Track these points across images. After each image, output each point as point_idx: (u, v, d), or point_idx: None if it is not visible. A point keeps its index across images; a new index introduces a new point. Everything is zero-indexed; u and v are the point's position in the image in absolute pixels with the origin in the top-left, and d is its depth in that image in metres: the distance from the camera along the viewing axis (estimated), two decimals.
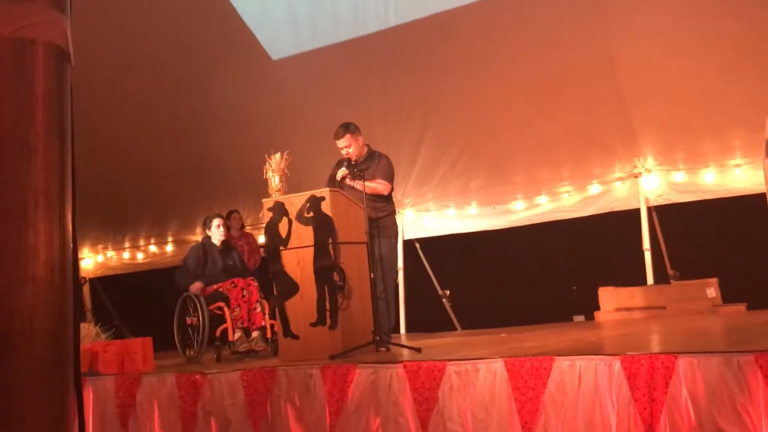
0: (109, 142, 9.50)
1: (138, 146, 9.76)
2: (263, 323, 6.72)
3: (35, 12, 1.80)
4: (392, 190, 6.46)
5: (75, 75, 1.92)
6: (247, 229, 9.61)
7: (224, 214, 8.08)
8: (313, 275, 5.64)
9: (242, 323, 6.68)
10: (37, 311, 1.69)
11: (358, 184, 5.99)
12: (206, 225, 7.34)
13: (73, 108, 1.88)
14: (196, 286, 6.84)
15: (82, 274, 11.97)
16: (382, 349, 5.68)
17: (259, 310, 6.74)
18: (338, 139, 6.33)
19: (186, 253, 7.39)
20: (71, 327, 1.79)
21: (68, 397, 1.76)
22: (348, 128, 6.32)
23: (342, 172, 6.25)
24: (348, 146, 6.32)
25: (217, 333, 6.72)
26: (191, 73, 8.82)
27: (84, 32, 3.39)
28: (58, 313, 1.74)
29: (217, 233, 7.20)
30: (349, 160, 6.34)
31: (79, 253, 11.78)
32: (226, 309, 6.71)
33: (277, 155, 6.11)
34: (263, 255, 8.48)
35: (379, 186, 6.25)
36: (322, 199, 5.66)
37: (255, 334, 6.66)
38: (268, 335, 6.70)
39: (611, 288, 8.21)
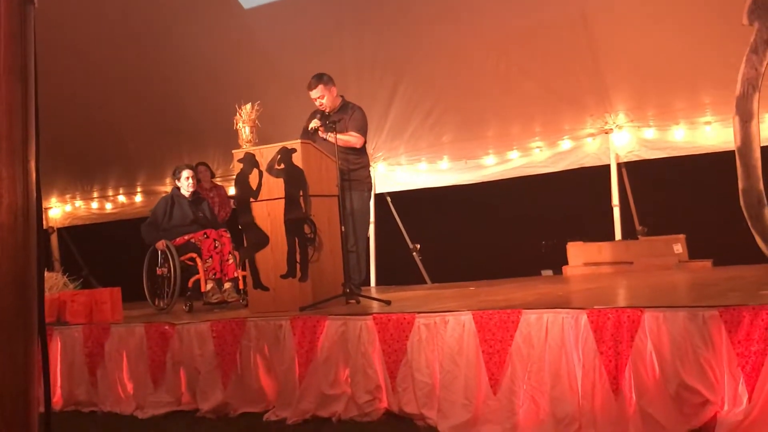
0: (77, 91, 9.33)
1: (106, 95, 9.57)
2: (236, 274, 6.72)
3: None
4: (365, 142, 6.42)
5: (41, 26, 1.85)
6: (218, 180, 9.53)
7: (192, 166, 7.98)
8: (283, 227, 5.63)
9: (215, 274, 6.68)
10: None
11: (330, 137, 5.94)
12: (175, 175, 7.23)
13: (37, 50, 1.82)
14: (161, 245, 6.80)
15: (51, 223, 11.84)
16: (352, 301, 5.70)
17: (231, 261, 6.74)
18: (311, 90, 6.26)
19: (154, 205, 7.32)
20: (35, 275, 1.75)
21: (32, 346, 1.74)
22: (321, 79, 6.25)
23: (314, 123, 6.18)
24: (321, 97, 6.26)
25: (189, 284, 6.71)
26: (160, 21, 8.62)
27: None
28: (22, 260, 1.71)
29: (185, 184, 7.11)
30: (322, 111, 6.28)
31: (46, 203, 11.72)
32: (198, 260, 6.69)
33: (248, 106, 6.03)
34: (234, 207, 8.43)
35: (351, 138, 6.21)
36: (294, 151, 5.61)
37: (227, 285, 6.67)
38: (240, 286, 6.70)
39: (579, 243, 8.28)
